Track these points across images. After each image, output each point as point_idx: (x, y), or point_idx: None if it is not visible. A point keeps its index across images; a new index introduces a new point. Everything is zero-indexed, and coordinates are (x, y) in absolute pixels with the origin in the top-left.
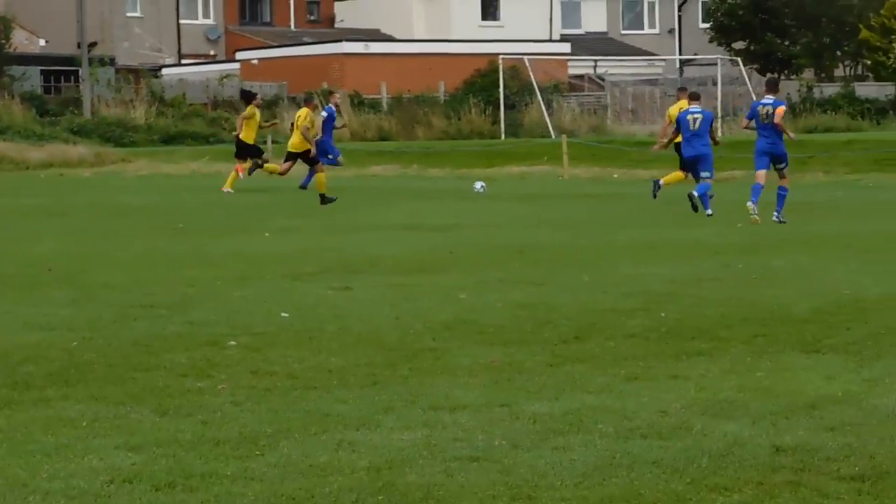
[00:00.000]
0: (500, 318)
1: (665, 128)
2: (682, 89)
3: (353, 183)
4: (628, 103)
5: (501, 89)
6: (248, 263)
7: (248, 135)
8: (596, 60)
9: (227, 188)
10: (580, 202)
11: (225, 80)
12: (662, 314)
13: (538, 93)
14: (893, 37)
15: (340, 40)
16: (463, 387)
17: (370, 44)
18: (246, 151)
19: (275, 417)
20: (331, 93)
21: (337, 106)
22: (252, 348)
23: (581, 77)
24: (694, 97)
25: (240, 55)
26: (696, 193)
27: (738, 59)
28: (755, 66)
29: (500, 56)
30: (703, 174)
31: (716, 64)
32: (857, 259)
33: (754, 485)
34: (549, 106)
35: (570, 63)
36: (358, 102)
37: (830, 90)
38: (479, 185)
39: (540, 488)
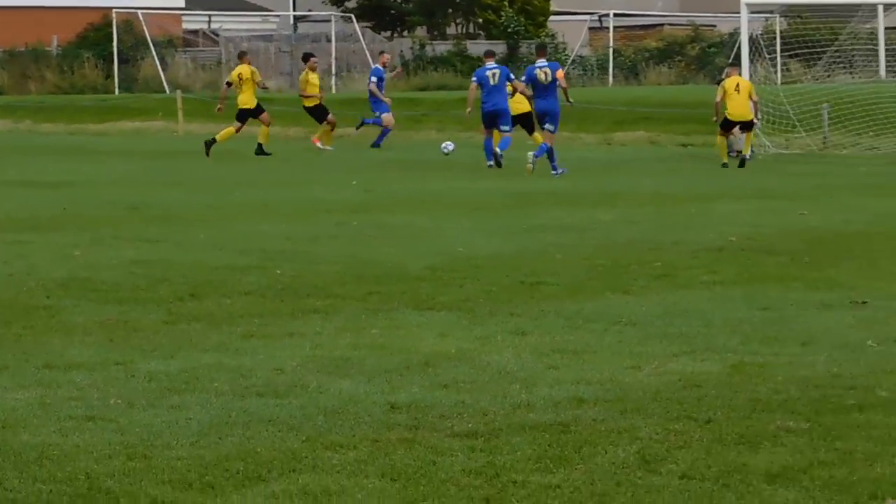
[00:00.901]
0: (115, 275)
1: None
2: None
3: None
4: None
5: (115, 44)
6: None
7: None
8: (210, 15)
9: None
10: (195, 159)
11: None
12: (278, 272)
13: (152, 48)
14: None
15: None
16: (78, 345)
17: None
18: None
19: None
20: (381, 52)
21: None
22: None
23: (196, 32)
24: (489, 54)
25: None
26: (499, 150)
27: (352, 16)
28: (369, 24)
29: (114, 10)
30: (503, 128)
31: (329, 20)
32: (470, 217)
33: (369, 442)
34: (163, 61)
35: (184, 18)
36: None
37: (443, 48)
38: (448, 145)
39: (156, 447)
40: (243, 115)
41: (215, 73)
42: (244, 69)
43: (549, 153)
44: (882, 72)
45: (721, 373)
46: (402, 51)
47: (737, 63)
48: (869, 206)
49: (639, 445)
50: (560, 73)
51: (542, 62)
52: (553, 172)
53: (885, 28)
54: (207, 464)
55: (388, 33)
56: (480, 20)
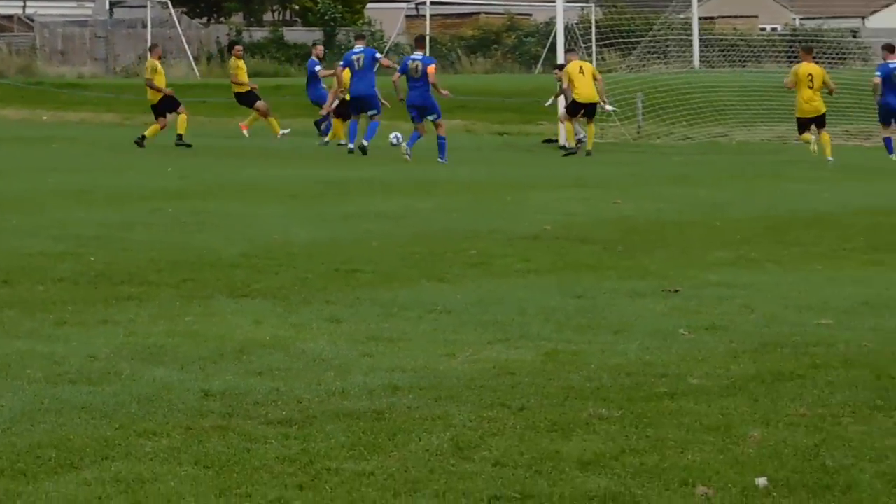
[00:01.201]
0: None
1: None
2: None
3: None
4: (58, 44)
5: None
6: None
7: None
8: (25, 0)
9: None
10: (9, 145)
11: None
12: (92, 258)
13: None
14: None
15: None
16: None
17: None
18: None
19: None
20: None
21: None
22: None
23: (10, 17)
24: (359, 37)
25: None
26: (365, 142)
27: (168, 2)
28: (185, 10)
29: None
30: (370, 112)
31: (145, 6)
32: (285, 204)
33: (183, 429)
34: None
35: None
36: None
37: (259, 34)
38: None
39: None
40: (163, 107)
41: (30, 58)
42: (155, 62)
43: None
44: (696, 62)
45: (535, 360)
46: (218, 37)
47: (573, 48)
48: (682, 194)
49: (452, 433)
50: (431, 69)
51: (417, 55)
52: (440, 159)
53: (699, 18)
54: (19, 451)
55: (205, 19)
56: (297, 7)
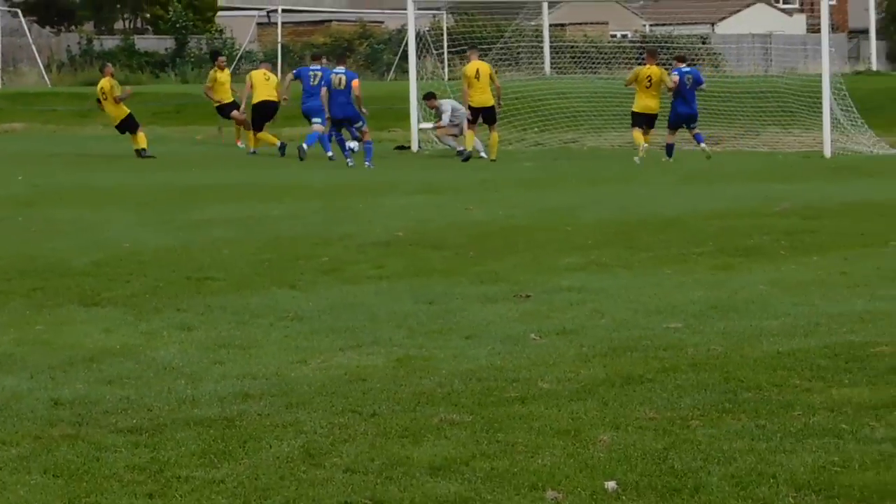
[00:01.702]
0: None
1: None
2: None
3: None
4: None
5: None
6: None
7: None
8: None
9: None
10: None
11: None
12: None
13: None
14: None
15: None
16: None
17: None
18: None
19: None
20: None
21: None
22: None
23: None
24: (316, 57)
25: None
26: (305, 144)
27: (18, 11)
28: (35, 18)
29: None
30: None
31: None
32: (136, 212)
33: (32, 438)
34: None
35: None
36: None
37: (110, 43)
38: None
39: None
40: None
41: None
42: (105, 83)
43: (323, 140)
44: (547, 68)
45: (386, 366)
46: (69, 45)
47: (475, 46)
48: (533, 200)
49: (303, 439)
50: (356, 83)
51: (339, 69)
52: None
53: (550, 25)
54: None
55: (56, 28)
56: (148, 15)
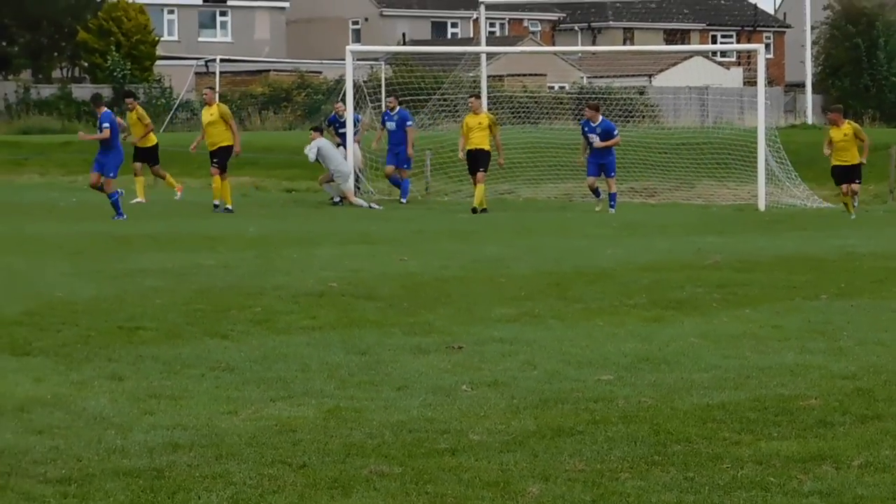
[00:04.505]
0: None
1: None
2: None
3: None
4: None
5: None
6: None
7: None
8: None
9: None
10: None
11: None
12: None
13: None
14: (111, 39)
15: None
16: None
17: None
18: None
19: None
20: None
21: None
22: None
23: None
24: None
25: None
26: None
27: None
28: None
29: None
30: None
31: None
32: (69, 261)
33: None
34: None
35: None
36: None
37: (48, 91)
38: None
39: None
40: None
41: None
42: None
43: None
44: None
45: (317, 417)
46: (6, 94)
47: (477, 94)
48: (467, 251)
49: (232, 490)
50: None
51: None
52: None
53: (488, 76)
54: None
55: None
56: (86, 64)
